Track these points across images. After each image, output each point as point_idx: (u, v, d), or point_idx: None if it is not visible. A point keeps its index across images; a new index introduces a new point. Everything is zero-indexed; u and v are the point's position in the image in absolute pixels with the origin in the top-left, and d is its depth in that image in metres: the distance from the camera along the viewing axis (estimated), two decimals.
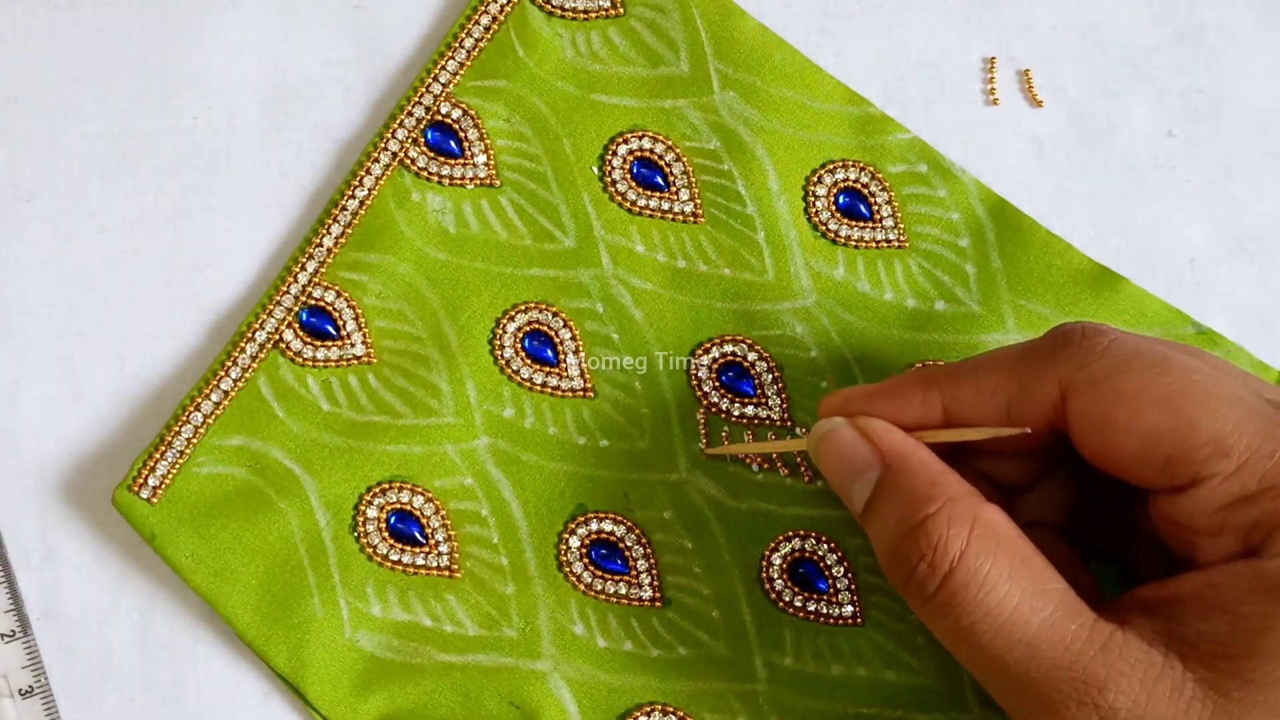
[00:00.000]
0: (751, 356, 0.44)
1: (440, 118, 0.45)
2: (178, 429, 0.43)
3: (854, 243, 0.45)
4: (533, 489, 0.44)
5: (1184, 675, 0.33)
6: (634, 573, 0.43)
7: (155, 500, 0.43)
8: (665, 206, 0.45)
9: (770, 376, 0.44)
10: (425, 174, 0.45)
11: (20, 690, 0.43)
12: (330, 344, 0.44)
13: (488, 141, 0.45)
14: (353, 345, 0.44)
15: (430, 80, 0.45)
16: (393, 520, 0.43)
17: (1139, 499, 0.38)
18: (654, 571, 0.43)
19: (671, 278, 0.45)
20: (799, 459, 0.44)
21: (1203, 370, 0.35)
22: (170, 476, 0.43)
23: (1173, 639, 0.33)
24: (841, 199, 0.45)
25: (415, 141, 0.45)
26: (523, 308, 0.45)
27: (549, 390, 0.44)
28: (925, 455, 0.37)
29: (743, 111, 0.45)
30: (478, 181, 0.45)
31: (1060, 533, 0.39)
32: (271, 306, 0.44)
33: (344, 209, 0.45)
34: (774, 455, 0.44)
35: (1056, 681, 0.33)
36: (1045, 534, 0.38)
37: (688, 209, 0.45)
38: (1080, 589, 0.35)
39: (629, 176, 0.45)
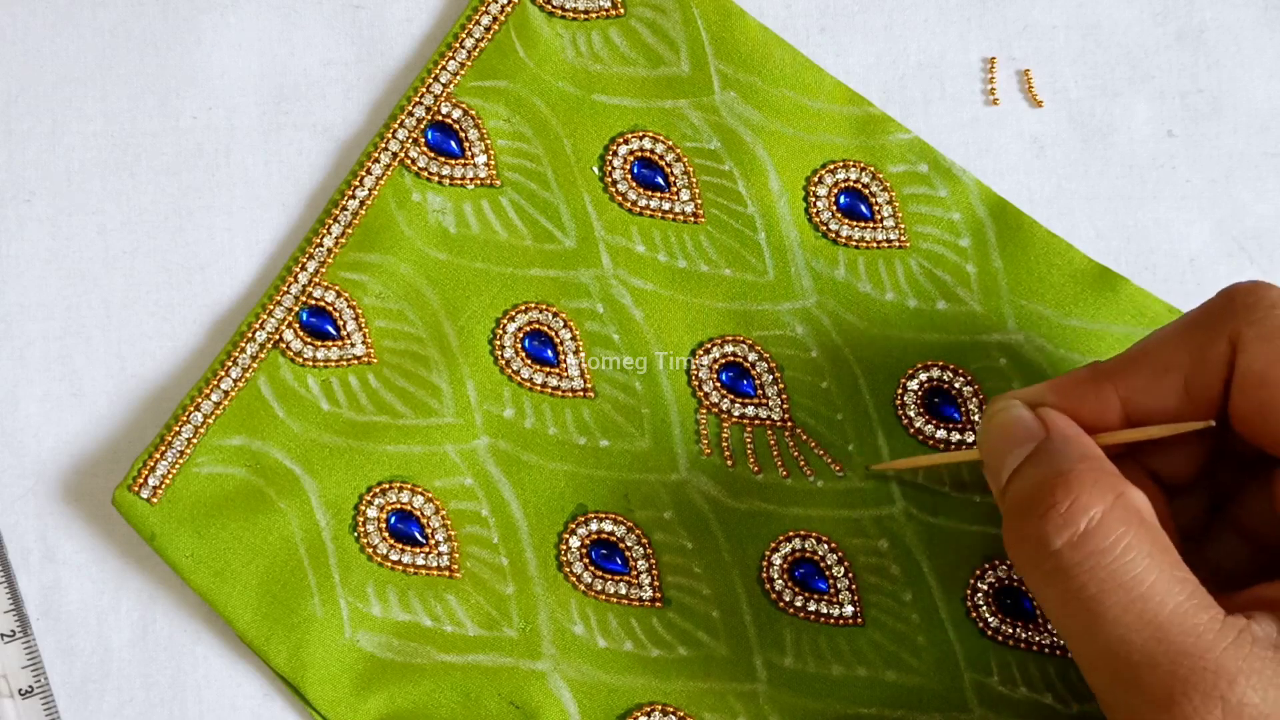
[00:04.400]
0: (752, 357, 0.44)
1: (441, 118, 0.45)
2: (178, 429, 0.43)
3: (855, 243, 0.45)
4: (533, 489, 0.44)
5: None
6: (634, 573, 0.43)
7: (155, 500, 0.43)
8: (666, 207, 0.45)
9: (770, 377, 0.44)
10: (425, 174, 0.45)
11: (20, 690, 0.43)
12: (330, 344, 0.44)
13: (488, 142, 0.45)
14: (353, 345, 0.44)
15: (431, 80, 0.45)
16: (393, 520, 0.43)
17: (1258, 484, 0.38)
18: (654, 571, 0.43)
19: (672, 278, 0.45)
20: (800, 459, 0.44)
21: None
22: (170, 476, 0.43)
23: None
24: (842, 199, 0.45)
25: (415, 141, 0.45)
26: (523, 308, 0.45)
27: (549, 390, 0.44)
28: (1088, 440, 0.36)
29: (743, 112, 0.45)
30: (478, 182, 0.45)
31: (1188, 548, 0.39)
32: (271, 306, 0.44)
33: (344, 209, 0.45)
34: (774, 454, 0.44)
35: (1183, 670, 0.32)
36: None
37: (688, 209, 0.45)
38: None
39: (629, 177, 0.45)
